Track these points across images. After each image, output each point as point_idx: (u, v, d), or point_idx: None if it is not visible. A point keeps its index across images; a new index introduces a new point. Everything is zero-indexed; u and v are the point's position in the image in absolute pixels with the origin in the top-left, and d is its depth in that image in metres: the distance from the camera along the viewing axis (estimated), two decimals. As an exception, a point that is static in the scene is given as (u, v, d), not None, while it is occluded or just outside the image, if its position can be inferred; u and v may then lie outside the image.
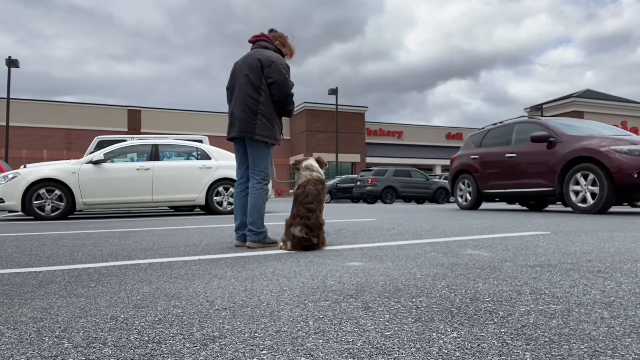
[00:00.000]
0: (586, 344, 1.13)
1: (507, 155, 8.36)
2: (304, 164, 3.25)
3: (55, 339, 1.23)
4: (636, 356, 1.04)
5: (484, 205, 13.43)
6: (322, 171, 3.26)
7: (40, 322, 1.40)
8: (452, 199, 20.36)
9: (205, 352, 1.11)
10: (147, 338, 1.23)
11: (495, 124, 9.29)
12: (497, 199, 9.06)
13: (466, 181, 9.52)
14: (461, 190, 9.72)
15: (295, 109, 37.38)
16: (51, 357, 1.09)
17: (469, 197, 9.45)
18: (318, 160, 3.35)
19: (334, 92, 28.21)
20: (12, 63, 21.44)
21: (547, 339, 1.17)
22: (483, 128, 9.63)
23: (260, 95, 3.26)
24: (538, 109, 35.24)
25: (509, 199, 8.73)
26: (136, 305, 1.59)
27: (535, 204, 9.79)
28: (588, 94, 41.89)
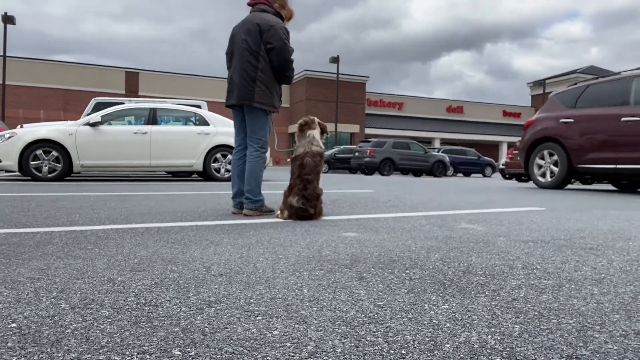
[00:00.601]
0: (575, 319, 1.15)
1: (624, 119, 6.41)
2: (310, 134, 3.18)
3: (52, 300, 1.25)
4: (623, 332, 1.06)
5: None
6: (321, 143, 3.23)
7: (37, 283, 1.41)
8: (449, 172, 20.38)
9: (201, 317, 1.13)
10: (143, 301, 1.24)
11: (597, 77, 7.35)
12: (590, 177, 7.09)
13: (548, 152, 7.44)
14: (541, 164, 7.59)
15: (296, 77, 36.89)
16: (48, 317, 1.11)
17: (554, 172, 7.37)
18: (321, 128, 3.29)
19: (335, 60, 27.80)
20: (8, 20, 20.94)
21: (536, 313, 1.19)
22: (576, 84, 7.60)
23: (259, 62, 3.20)
24: (541, 84, 34.90)
25: (612, 176, 6.93)
26: (133, 269, 1.61)
27: (628, 184, 8.13)
28: (592, 70, 41.42)
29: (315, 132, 3.22)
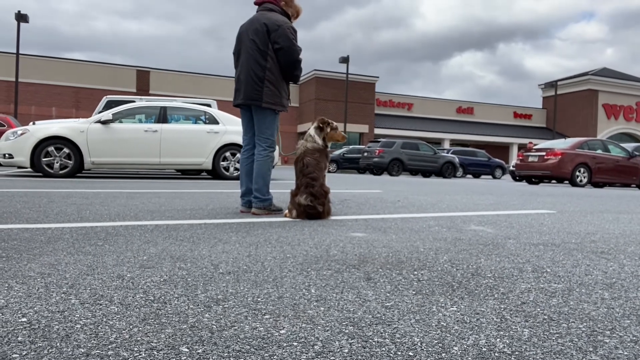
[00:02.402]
0: (585, 324, 1.14)
1: None
2: (308, 132, 3.24)
3: (62, 295, 1.26)
4: (634, 337, 1.05)
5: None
6: (319, 140, 3.18)
7: (48, 278, 1.43)
8: (458, 173, 20.24)
9: (209, 314, 1.13)
10: (152, 298, 1.25)
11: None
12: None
13: None
14: None
15: (305, 77, 36.90)
16: (58, 312, 1.12)
17: None
18: (321, 123, 3.27)
19: (345, 60, 27.75)
20: (21, 18, 21.16)
21: (546, 317, 1.18)
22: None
23: (267, 62, 3.21)
24: (553, 85, 34.58)
25: None
26: (142, 266, 1.62)
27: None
28: (604, 72, 40.97)
29: (311, 130, 3.22)
